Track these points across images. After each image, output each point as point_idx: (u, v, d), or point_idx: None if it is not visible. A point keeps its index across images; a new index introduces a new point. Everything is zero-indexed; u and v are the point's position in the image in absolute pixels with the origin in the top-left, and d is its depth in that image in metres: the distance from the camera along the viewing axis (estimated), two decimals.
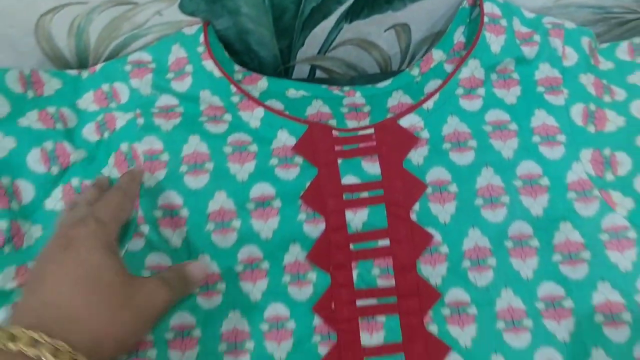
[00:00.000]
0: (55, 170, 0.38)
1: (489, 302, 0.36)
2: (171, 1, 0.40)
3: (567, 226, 0.37)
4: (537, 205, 0.37)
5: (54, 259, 0.29)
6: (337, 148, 0.39)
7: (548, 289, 0.36)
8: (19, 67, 0.40)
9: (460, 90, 0.40)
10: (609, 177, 0.37)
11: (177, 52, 0.41)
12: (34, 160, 0.37)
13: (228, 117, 0.40)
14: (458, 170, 0.38)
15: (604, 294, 0.35)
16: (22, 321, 0.26)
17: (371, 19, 0.44)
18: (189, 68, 0.41)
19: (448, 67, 0.42)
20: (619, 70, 0.42)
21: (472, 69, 0.40)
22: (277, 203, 0.38)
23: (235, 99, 0.40)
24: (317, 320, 0.36)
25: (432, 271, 0.37)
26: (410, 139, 0.39)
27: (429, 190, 0.38)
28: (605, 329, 0.34)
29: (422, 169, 0.38)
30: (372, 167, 0.38)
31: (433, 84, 0.42)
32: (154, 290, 0.31)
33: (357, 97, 0.43)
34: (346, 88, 0.43)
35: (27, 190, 0.37)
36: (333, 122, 0.41)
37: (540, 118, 0.39)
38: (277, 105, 0.42)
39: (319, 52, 0.46)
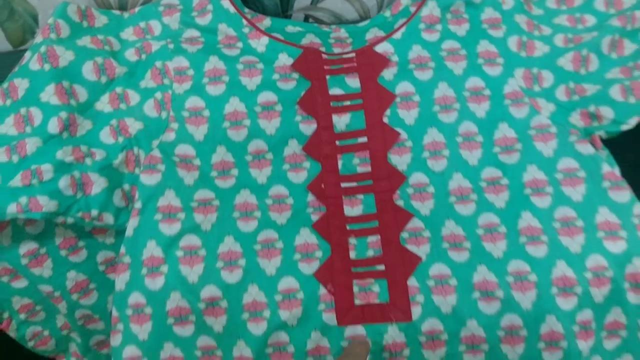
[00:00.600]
0: (103, 79, 0.47)
1: (444, 183, 0.45)
2: None
3: (504, 125, 0.47)
4: (480, 109, 0.47)
5: None
6: (325, 67, 0.49)
7: (489, 172, 0.46)
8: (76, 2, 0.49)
9: (422, 26, 0.50)
10: (536, 88, 0.47)
11: None
12: (88, 70, 0.46)
13: (240, 44, 0.50)
14: (420, 85, 0.48)
15: (532, 173, 0.45)
16: None
17: None
18: (209, 7, 0.51)
19: (412, 9, 0.52)
20: (547, 14, 0.51)
21: (431, 8, 0.50)
22: (278, 107, 0.47)
23: (245, 30, 0.50)
24: (310, 197, 0.45)
25: (400, 160, 0.46)
26: (383, 61, 0.49)
27: (397, 99, 0.48)
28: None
29: (392, 83, 0.48)
30: (353, 82, 0.48)
31: (401, 22, 0.52)
32: None
33: (341, 32, 0.53)
34: (333, 26, 0.53)
35: (81, 93, 0.46)
36: (323, 49, 0.51)
37: (484, 46, 0.49)
38: (278, 37, 0.51)
39: (311, 3, 0.57)
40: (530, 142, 0.46)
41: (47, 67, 0.45)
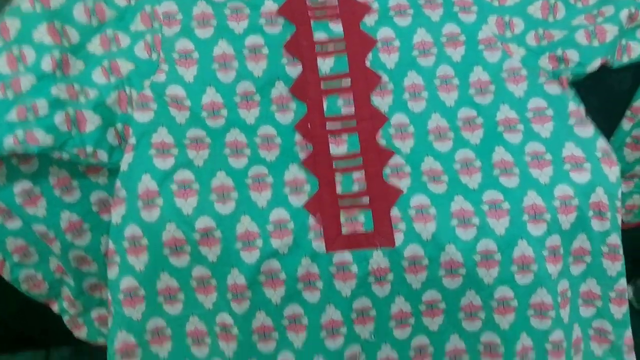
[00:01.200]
0: (94, 22, 0.48)
1: (423, 123, 0.48)
2: None
3: (479, 69, 0.49)
4: (456, 54, 0.50)
5: None
6: (310, 13, 0.50)
7: (465, 112, 0.49)
8: None
9: None
10: (508, 34, 0.50)
11: None
12: (79, 12, 0.47)
13: None
14: (400, 30, 0.50)
15: (504, 112, 0.48)
16: None
17: None
18: None
19: None
20: None
21: None
22: (265, 50, 0.49)
23: None
24: (297, 136, 0.47)
25: (382, 101, 0.48)
26: (364, 8, 0.51)
27: (378, 44, 0.50)
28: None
29: (374, 29, 0.50)
30: (336, 27, 0.50)
31: None
32: None
33: None
34: None
35: (73, 35, 0.46)
36: None
37: None
38: None
39: None
40: (502, 84, 0.49)
41: (38, 7, 0.45)
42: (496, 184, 0.46)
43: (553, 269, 0.45)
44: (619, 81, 0.52)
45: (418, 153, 0.47)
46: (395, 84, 0.49)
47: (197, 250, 0.44)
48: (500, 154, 0.47)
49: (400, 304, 0.45)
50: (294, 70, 0.49)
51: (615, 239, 0.47)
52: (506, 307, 0.45)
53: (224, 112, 0.47)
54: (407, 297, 0.45)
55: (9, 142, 0.41)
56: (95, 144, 0.45)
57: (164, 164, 0.45)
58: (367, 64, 0.49)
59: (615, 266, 0.47)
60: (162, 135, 0.46)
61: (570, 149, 0.47)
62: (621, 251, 0.47)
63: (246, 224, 0.44)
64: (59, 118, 0.43)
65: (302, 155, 0.47)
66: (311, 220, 0.44)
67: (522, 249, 0.44)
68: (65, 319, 0.52)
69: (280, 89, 0.48)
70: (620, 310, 0.48)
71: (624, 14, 0.48)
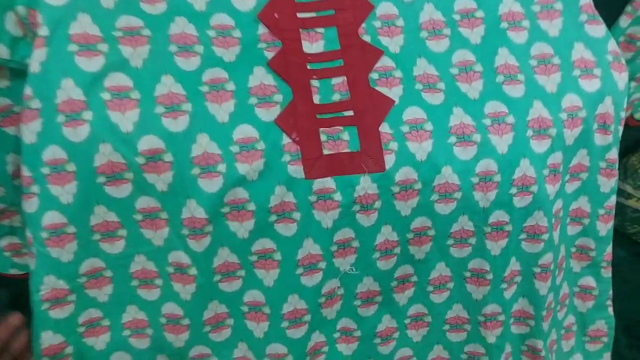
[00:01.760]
0: None
1: (414, 15, 0.40)
2: None
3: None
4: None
5: None
6: None
7: (463, 3, 0.40)
8: None
9: None
10: None
11: None
12: None
13: None
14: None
15: (508, 5, 0.40)
16: None
17: None
18: None
19: None
20: None
21: None
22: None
23: None
24: (261, 29, 0.38)
25: None
26: None
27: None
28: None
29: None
30: None
31: None
32: None
33: None
34: None
35: None
36: None
37: None
38: None
39: None
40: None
41: None
42: (499, 93, 0.39)
43: (552, 189, 0.40)
44: None
45: (409, 53, 0.39)
46: None
47: (142, 178, 0.35)
48: (503, 56, 0.40)
49: (386, 234, 0.39)
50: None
51: (614, 153, 0.43)
52: (499, 232, 0.40)
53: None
54: (395, 226, 0.39)
55: None
56: None
57: (90, 64, 0.34)
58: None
59: (610, 182, 0.43)
60: (84, 25, 0.34)
61: (580, 51, 0.41)
62: (617, 166, 0.43)
63: (204, 144, 0.35)
64: None
65: (269, 54, 0.37)
66: (285, 139, 0.36)
67: (524, 169, 0.39)
68: None
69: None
70: (605, 227, 0.45)
71: None
